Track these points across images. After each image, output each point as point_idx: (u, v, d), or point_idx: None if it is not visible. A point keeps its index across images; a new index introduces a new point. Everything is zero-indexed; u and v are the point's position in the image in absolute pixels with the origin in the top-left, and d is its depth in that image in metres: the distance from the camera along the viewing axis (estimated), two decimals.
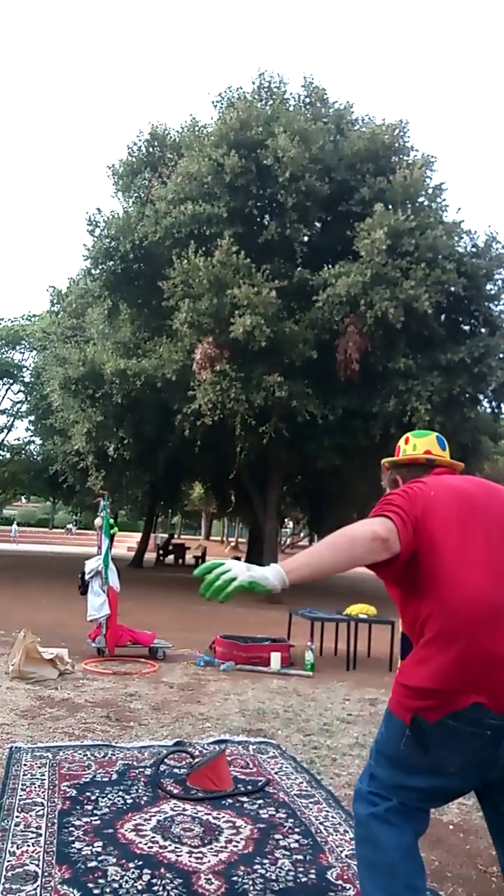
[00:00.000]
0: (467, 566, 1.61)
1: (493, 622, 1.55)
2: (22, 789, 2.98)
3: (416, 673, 1.62)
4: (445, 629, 1.58)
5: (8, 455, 34.88)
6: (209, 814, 2.84)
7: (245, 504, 21.57)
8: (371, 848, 1.69)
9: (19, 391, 32.27)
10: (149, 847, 2.50)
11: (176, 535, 41.14)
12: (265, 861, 2.45)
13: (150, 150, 16.42)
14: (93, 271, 15.62)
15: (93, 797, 2.93)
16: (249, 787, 3.15)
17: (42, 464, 29.35)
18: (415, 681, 1.61)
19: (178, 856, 2.44)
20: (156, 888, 2.20)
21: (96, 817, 2.73)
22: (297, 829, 2.74)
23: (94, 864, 2.34)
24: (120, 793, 3.00)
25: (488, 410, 15.62)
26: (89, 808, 2.82)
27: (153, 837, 2.58)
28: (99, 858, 2.38)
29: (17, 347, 31.00)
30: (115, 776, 3.20)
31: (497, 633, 1.54)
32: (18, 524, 48.12)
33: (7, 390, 32.59)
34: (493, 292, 13.96)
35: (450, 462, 2.03)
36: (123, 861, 2.37)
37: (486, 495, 1.77)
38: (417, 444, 2.05)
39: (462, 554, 1.62)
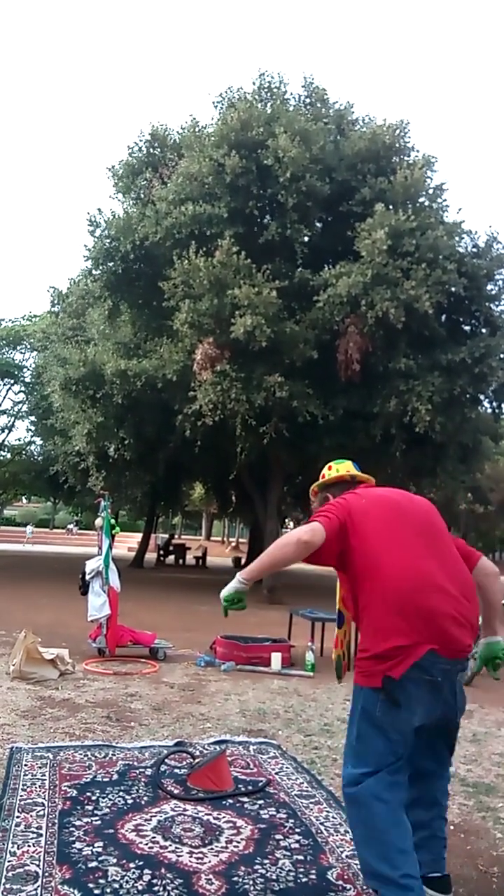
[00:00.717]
0: (402, 552, 2.11)
1: (427, 588, 2.04)
2: (23, 789, 2.98)
3: (379, 641, 2.01)
4: (396, 600, 2.02)
5: (9, 455, 34.88)
6: (210, 814, 2.84)
7: (246, 504, 21.57)
8: (364, 826, 2.02)
9: (20, 391, 32.29)
10: (149, 847, 2.50)
11: (176, 536, 41.14)
12: (266, 861, 2.45)
13: (151, 150, 16.41)
14: (93, 272, 15.61)
15: (93, 797, 2.93)
16: (250, 788, 3.15)
17: (43, 464, 29.35)
18: (381, 647, 2.00)
19: (178, 856, 2.44)
20: (156, 888, 2.20)
21: (97, 817, 2.73)
22: (297, 830, 2.74)
23: (94, 864, 2.34)
24: (120, 793, 3.00)
25: (489, 411, 15.61)
26: (90, 808, 2.82)
27: (154, 838, 2.58)
28: (99, 859, 2.38)
29: (18, 348, 31.01)
30: (115, 776, 3.20)
31: (432, 595, 2.03)
32: (19, 524, 48.12)
33: (8, 390, 32.61)
34: (493, 292, 13.95)
35: (366, 477, 2.59)
36: (124, 861, 2.37)
37: (407, 500, 2.35)
38: (339, 468, 2.61)
39: (396, 544, 2.13)
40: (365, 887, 2.29)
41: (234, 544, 44.31)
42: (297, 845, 2.60)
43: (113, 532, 6.70)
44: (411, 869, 1.93)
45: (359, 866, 2.43)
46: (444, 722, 2.12)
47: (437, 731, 2.13)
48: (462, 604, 2.08)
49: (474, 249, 13.96)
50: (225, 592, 2.27)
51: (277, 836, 2.66)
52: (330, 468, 2.63)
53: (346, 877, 2.37)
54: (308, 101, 15.63)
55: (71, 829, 2.61)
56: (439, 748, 2.19)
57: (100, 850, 2.45)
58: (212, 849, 2.52)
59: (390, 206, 12.56)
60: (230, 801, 2.99)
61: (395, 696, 1.96)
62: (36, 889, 2.17)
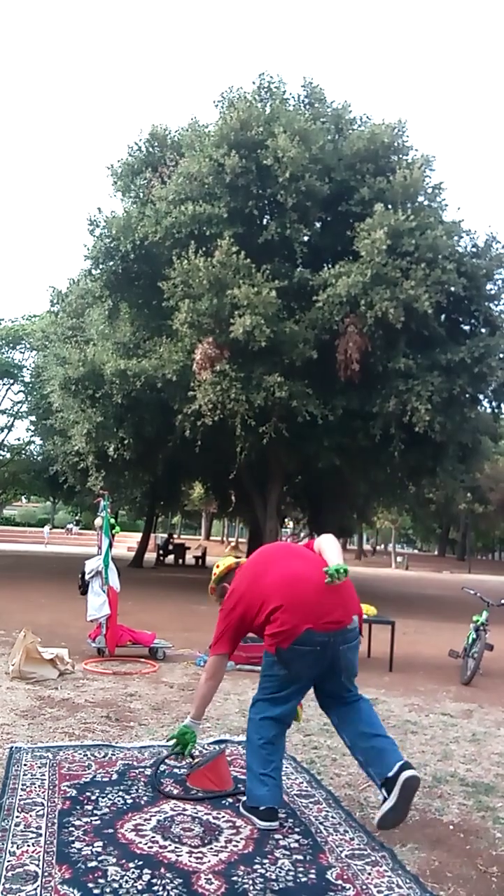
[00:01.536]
0: (280, 575, 2.93)
1: (302, 583, 2.86)
2: (22, 789, 2.99)
3: (272, 627, 2.84)
4: (282, 599, 2.83)
5: (8, 455, 34.92)
6: (209, 814, 2.84)
7: (245, 504, 21.58)
8: (251, 737, 2.93)
9: (19, 391, 32.31)
10: (149, 847, 2.50)
11: (176, 535, 41.12)
12: (265, 861, 2.45)
13: (151, 150, 16.41)
14: (93, 271, 15.61)
15: (93, 797, 2.93)
16: None
17: (42, 464, 29.38)
18: (272, 630, 2.84)
19: (178, 856, 2.44)
20: (156, 888, 2.20)
21: (96, 817, 2.73)
22: (296, 829, 2.75)
23: (94, 864, 2.34)
24: (120, 793, 3.00)
25: (488, 410, 15.62)
26: (89, 808, 2.82)
27: (153, 837, 2.58)
28: (99, 858, 2.38)
29: (18, 347, 31.03)
30: (115, 776, 3.20)
31: (306, 588, 2.84)
32: (13, 522, 48.01)
33: (7, 390, 32.63)
34: (493, 292, 13.97)
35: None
36: (123, 861, 2.37)
37: (277, 547, 3.34)
38: (223, 563, 3.43)
39: (275, 573, 2.95)
40: (364, 887, 2.30)
41: (233, 544, 44.29)
42: (296, 845, 2.60)
43: (113, 532, 6.70)
44: (273, 773, 2.82)
45: (358, 865, 2.45)
46: (333, 672, 2.90)
47: (331, 677, 2.92)
48: (330, 591, 2.84)
49: (473, 249, 13.99)
50: (175, 733, 3.30)
51: (277, 836, 2.67)
52: (218, 566, 3.45)
53: (345, 876, 2.37)
54: (307, 100, 15.64)
55: (70, 828, 2.61)
56: (339, 688, 2.97)
57: (99, 849, 2.45)
58: (211, 848, 2.52)
59: (389, 206, 12.58)
60: (230, 800, 2.99)
61: (284, 659, 2.83)
62: (35, 889, 2.17)
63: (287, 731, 2.93)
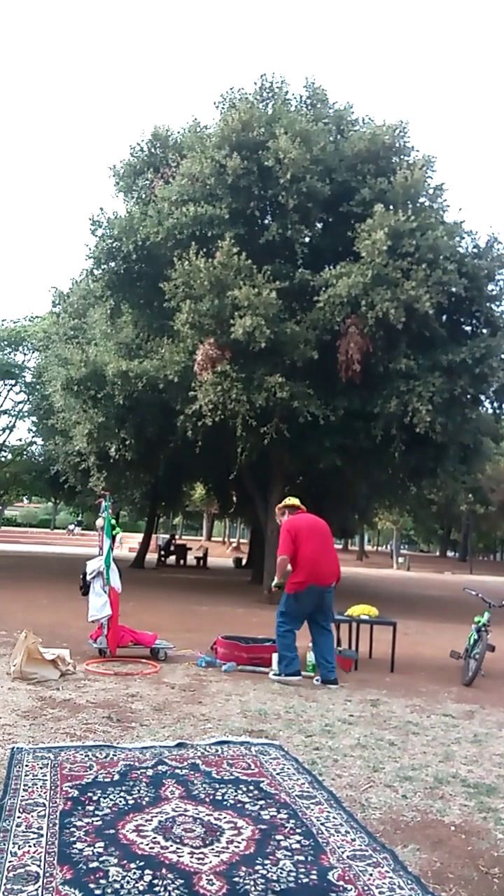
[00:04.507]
0: (308, 545, 5.91)
1: (316, 559, 5.90)
2: (24, 790, 2.99)
3: (294, 577, 5.87)
4: (305, 563, 5.85)
5: (9, 456, 34.90)
6: (210, 814, 2.84)
7: (246, 505, 21.56)
8: (280, 637, 5.87)
9: (21, 392, 32.30)
10: (150, 848, 2.50)
11: (177, 536, 41.11)
12: (266, 862, 2.45)
13: (153, 150, 16.39)
14: (95, 272, 15.59)
15: (94, 798, 2.93)
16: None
17: (43, 464, 29.39)
18: (294, 580, 5.86)
19: (179, 856, 2.44)
20: (157, 889, 2.20)
21: (98, 818, 2.73)
22: (298, 830, 2.74)
23: (95, 864, 2.35)
24: (121, 793, 3.00)
25: (489, 411, 15.59)
26: (91, 808, 2.82)
27: (154, 838, 2.58)
28: (100, 859, 2.39)
29: (20, 348, 31.02)
30: (116, 777, 3.20)
31: (318, 563, 5.89)
32: (14, 523, 47.94)
33: (9, 391, 32.62)
34: (494, 293, 13.93)
35: (301, 507, 6.37)
36: (125, 862, 2.37)
37: (314, 521, 6.20)
38: (291, 500, 6.46)
39: (306, 542, 5.92)
40: (366, 888, 2.30)
41: (234, 545, 44.33)
42: (297, 846, 2.60)
43: (115, 533, 6.69)
44: (293, 653, 5.81)
45: (359, 866, 2.45)
46: (321, 607, 5.89)
47: (320, 609, 5.89)
48: (330, 568, 5.93)
49: (475, 250, 13.95)
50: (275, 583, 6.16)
51: (278, 837, 2.67)
52: (287, 499, 6.46)
53: (347, 877, 2.37)
54: (309, 101, 15.61)
55: (72, 829, 2.62)
56: (322, 618, 5.93)
57: (101, 850, 2.45)
58: (213, 849, 2.52)
59: (390, 207, 12.55)
60: (231, 801, 2.99)
61: (297, 597, 5.83)
62: (37, 889, 2.17)
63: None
